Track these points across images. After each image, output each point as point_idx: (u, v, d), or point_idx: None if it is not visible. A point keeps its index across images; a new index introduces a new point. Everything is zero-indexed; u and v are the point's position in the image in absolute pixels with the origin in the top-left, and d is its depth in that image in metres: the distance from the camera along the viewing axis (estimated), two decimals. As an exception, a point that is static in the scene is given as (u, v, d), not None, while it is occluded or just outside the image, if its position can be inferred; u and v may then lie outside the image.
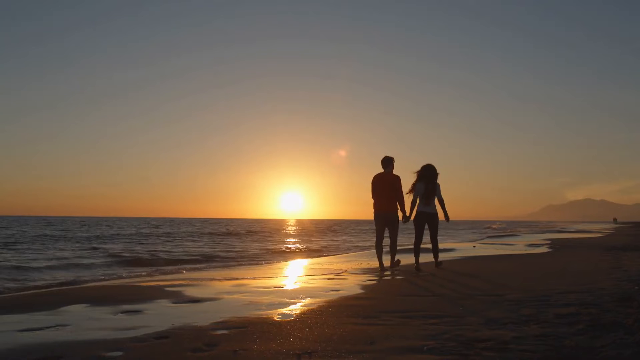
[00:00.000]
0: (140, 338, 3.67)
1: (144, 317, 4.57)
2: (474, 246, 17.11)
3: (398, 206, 8.86)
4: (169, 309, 5.07)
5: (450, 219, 8.93)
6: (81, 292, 6.50)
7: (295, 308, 4.96)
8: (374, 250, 9.19)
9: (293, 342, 3.51)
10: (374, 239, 9.18)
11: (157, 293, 6.18)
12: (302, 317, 4.44)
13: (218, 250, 18.41)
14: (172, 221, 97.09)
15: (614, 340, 3.34)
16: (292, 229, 48.47)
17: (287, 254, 16.88)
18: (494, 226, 63.29)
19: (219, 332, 3.86)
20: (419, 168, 8.85)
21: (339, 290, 6.25)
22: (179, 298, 5.76)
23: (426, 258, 9.10)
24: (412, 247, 8.91)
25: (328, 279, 7.74)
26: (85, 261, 12.93)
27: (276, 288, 6.68)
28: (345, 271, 8.97)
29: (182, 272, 10.20)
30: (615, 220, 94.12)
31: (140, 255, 15.37)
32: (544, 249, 15.12)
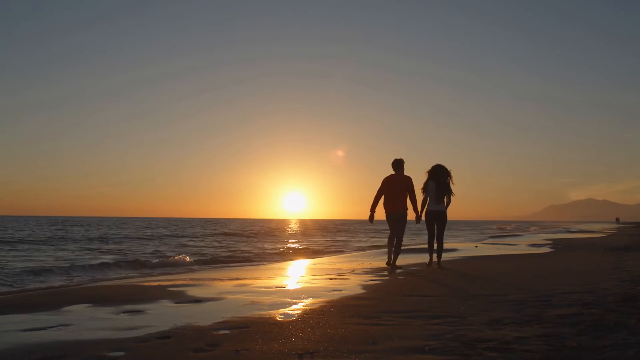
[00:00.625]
0: (142, 338, 3.67)
1: (146, 317, 4.58)
2: (476, 246, 17.08)
3: (409, 205, 8.94)
4: (171, 309, 5.07)
5: (448, 218, 9.00)
6: (83, 292, 6.50)
7: (297, 308, 4.96)
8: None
9: (295, 342, 3.51)
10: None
11: (159, 293, 6.18)
12: (304, 317, 4.44)
13: (220, 250, 18.45)
14: (178, 221, 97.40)
15: (617, 340, 3.33)
16: (294, 229, 48.49)
17: (289, 254, 16.87)
18: (508, 227, 62.08)
19: (221, 332, 3.86)
20: (429, 168, 9.08)
21: (340, 290, 6.25)
22: (181, 298, 5.77)
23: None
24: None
25: (330, 279, 7.74)
26: (93, 262, 12.96)
27: (278, 288, 6.68)
28: (347, 271, 8.97)
29: (185, 273, 10.22)
30: (617, 220, 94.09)
31: (140, 257, 15.39)
32: (546, 249, 15.12)
